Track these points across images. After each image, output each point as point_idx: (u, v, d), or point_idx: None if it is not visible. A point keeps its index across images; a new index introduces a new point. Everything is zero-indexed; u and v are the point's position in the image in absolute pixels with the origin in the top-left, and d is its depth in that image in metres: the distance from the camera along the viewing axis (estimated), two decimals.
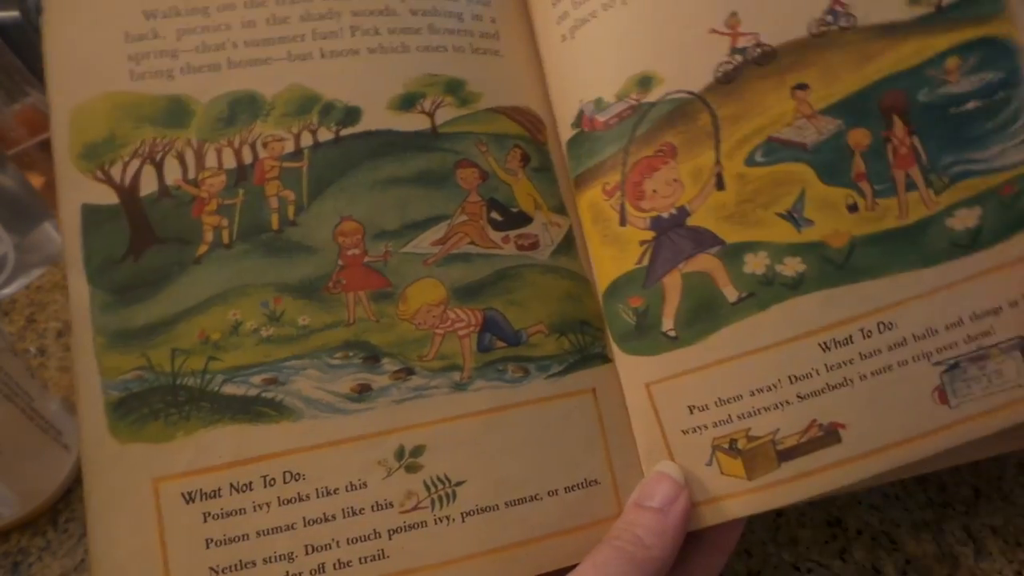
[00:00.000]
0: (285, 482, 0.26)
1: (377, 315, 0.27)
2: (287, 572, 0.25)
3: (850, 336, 0.27)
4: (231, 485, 0.25)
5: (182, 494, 0.25)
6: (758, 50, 0.29)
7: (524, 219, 0.30)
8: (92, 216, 0.27)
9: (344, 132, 0.28)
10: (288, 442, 0.26)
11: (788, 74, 0.29)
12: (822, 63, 0.29)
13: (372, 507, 0.26)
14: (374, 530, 0.26)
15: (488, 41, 0.31)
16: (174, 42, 0.28)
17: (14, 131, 0.47)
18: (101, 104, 0.27)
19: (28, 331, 0.45)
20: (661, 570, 0.26)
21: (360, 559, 0.26)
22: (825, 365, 0.27)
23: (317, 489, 0.26)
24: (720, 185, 0.29)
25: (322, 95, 0.28)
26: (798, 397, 0.27)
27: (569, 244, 0.30)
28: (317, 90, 0.28)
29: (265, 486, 0.26)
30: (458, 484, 0.27)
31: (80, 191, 0.27)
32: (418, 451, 0.27)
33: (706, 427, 0.28)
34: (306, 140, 0.28)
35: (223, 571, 0.25)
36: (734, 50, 0.29)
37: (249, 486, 0.25)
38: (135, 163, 0.27)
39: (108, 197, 0.27)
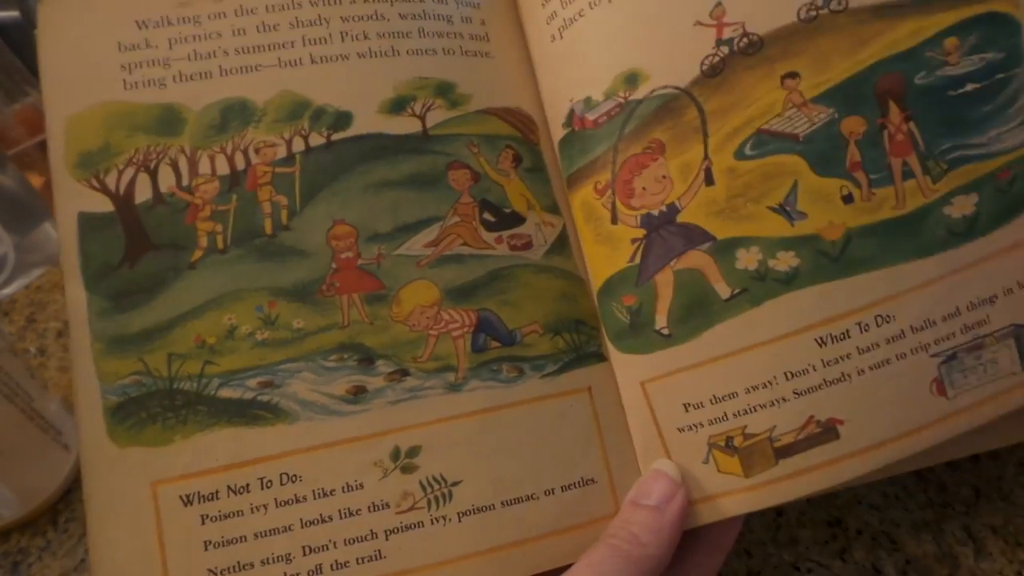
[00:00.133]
0: (282, 484, 0.26)
1: (371, 317, 0.28)
2: (285, 573, 0.25)
3: (847, 331, 0.27)
4: (228, 487, 0.26)
5: (180, 497, 0.25)
6: (744, 40, 0.28)
7: (517, 219, 0.30)
8: (88, 224, 0.27)
9: (335, 136, 0.29)
10: (284, 444, 0.26)
11: (777, 63, 0.28)
12: (813, 49, 0.28)
13: (369, 508, 0.26)
14: (371, 531, 0.26)
15: (478, 43, 0.31)
16: (166, 51, 0.28)
17: (14, 131, 0.47)
18: (95, 113, 0.28)
19: (28, 331, 0.45)
20: (657, 568, 0.26)
21: (357, 560, 0.26)
22: (822, 361, 0.27)
23: (314, 491, 0.26)
24: (709, 180, 0.28)
25: (313, 100, 0.29)
26: (795, 394, 0.27)
27: (563, 244, 0.30)
28: (308, 95, 0.29)
29: (262, 488, 0.26)
30: (454, 484, 0.27)
31: (76, 199, 0.27)
32: (414, 452, 0.27)
33: (702, 425, 0.28)
34: (298, 145, 0.28)
35: (221, 573, 0.25)
36: (720, 41, 0.28)
37: (246, 488, 0.26)
38: (129, 171, 0.27)
39: (103, 205, 0.27)
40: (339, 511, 0.26)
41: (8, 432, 0.35)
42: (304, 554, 0.26)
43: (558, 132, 0.31)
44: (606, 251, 0.30)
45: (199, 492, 0.25)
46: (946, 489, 0.36)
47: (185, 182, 0.28)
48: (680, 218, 0.28)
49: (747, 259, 0.28)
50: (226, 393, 0.26)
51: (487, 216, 0.29)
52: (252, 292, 0.27)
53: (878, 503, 0.36)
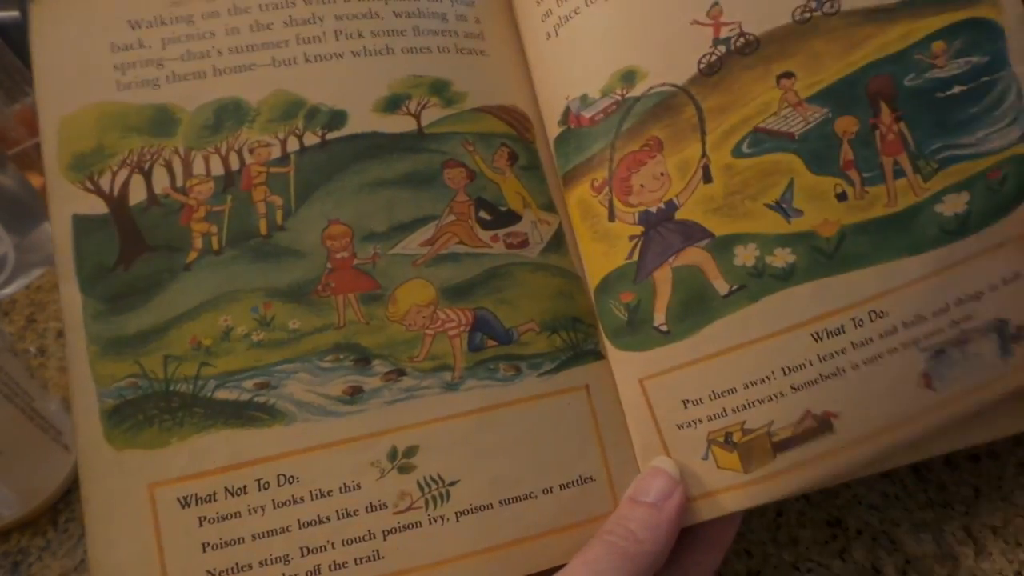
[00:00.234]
0: (279, 485, 0.26)
1: (367, 317, 0.28)
2: (283, 574, 0.25)
3: (842, 326, 0.27)
4: (226, 489, 0.26)
5: (178, 499, 0.25)
6: (741, 39, 0.28)
7: (513, 218, 0.30)
8: (83, 226, 0.27)
9: (330, 136, 0.29)
10: (281, 445, 0.26)
11: (773, 63, 0.28)
12: (807, 50, 0.28)
13: (366, 508, 0.26)
14: (369, 531, 0.26)
15: (473, 41, 0.31)
16: (159, 51, 0.28)
17: (14, 131, 0.47)
18: (88, 114, 0.28)
19: (28, 331, 0.45)
20: (654, 564, 0.26)
21: (355, 560, 0.26)
22: (818, 355, 0.27)
23: (311, 491, 0.26)
24: (707, 178, 0.28)
25: (307, 99, 0.29)
26: (792, 388, 0.27)
27: (559, 241, 0.30)
28: (302, 95, 0.29)
29: (259, 489, 0.26)
30: (452, 484, 0.27)
31: (70, 202, 0.27)
32: (411, 452, 0.27)
33: (701, 421, 0.28)
34: (292, 145, 0.28)
35: (220, 574, 0.25)
36: (717, 41, 0.29)
37: (244, 490, 0.26)
38: (123, 172, 0.27)
39: (98, 207, 0.27)
40: (337, 512, 0.26)
41: (8, 432, 0.35)
42: (302, 555, 0.26)
43: (554, 130, 0.31)
44: (603, 248, 0.30)
45: (196, 494, 0.25)
46: (946, 489, 0.36)
47: (179, 183, 0.28)
48: (678, 215, 0.29)
49: (745, 256, 0.28)
50: (222, 395, 0.26)
51: (483, 214, 0.29)
52: (247, 293, 0.27)
53: (878, 503, 0.36)
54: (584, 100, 0.30)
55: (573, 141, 0.30)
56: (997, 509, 0.35)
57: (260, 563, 0.25)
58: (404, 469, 0.27)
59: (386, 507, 0.26)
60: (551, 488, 0.27)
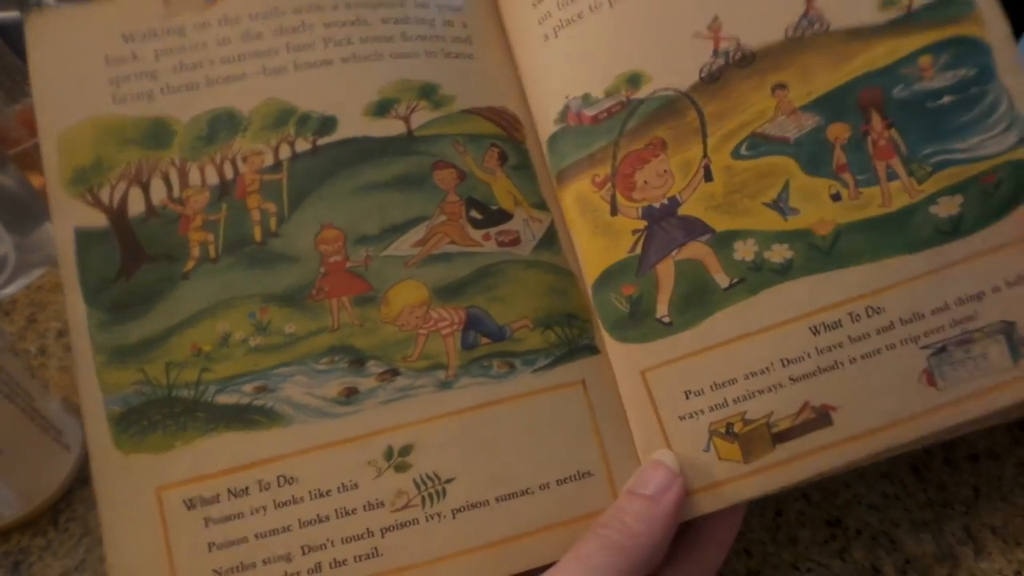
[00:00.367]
0: (279, 486, 0.27)
1: (360, 319, 0.28)
2: (285, 572, 0.26)
3: (839, 320, 0.28)
4: (228, 491, 0.26)
5: (183, 501, 0.26)
6: (739, 52, 0.30)
7: (504, 216, 0.30)
8: (85, 239, 0.28)
9: (321, 142, 0.29)
10: (280, 447, 0.27)
11: (768, 74, 0.30)
12: (799, 63, 0.30)
13: (364, 507, 0.27)
14: (367, 529, 0.27)
15: (460, 45, 0.31)
16: (153, 63, 0.29)
17: (14, 131, 0.46)
18: (86, 129, 0.28)
19: (28, 331, 0.45)
20: (650, 558, 0.26)
21: (355, 558, 0.26)
22: (816, 348, 0.28)
23: (310, 491, 0.27)
24: (708, 177, 0.30)
25: (298, 107, 0.29)
26: (790, 380, 0.28)
27: (551, 239, 0.30)
28: (293, 102, 0.29)
29: (260, 490, 0.27)
30: (448, 481, 0.27)
31: (72, 216, 0.28)
32: (406, 450, 0.27)
33: (702, 412, 0.29)
34: (284, 152, 0.29)
35: (225, 573, 0.26)
36: (716, 52, 0.30)
37: (246, 491, 0.26)
38: (122, 185, 0.28)
39: (98, 220, 0.28)
40: (335, 511, 0.27)
41: (8, 432, 0.35)
42: (303, 553, 0.26)
43: (549, 128, 0.31)
44: (604, 242, 0.30)
45: (201, 496, 0.26)
46: (946, 489, 0.36)
47: (176, 194, 0.28)
48: (680, 211, 0.30)
49: (744, 251, 0.29)
50: (223, 399, 0.27)
51: (474, 214, 0.30)
52: (244, 299, 0.28)
53: (878, 503, 0.36)
54: (587, 99, 0.31)
55: (572, 138, 0.31)
56: (997, 509, 0.35)
57: (263, 562, 0.26)
58: (400, 468, 0.27)
59: (383, 505, 0.27)
60: (548, 484, 0.28)
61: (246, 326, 0.27)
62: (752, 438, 0.28)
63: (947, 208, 0.29)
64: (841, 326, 0.28)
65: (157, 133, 0.28)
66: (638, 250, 0.30)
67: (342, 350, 0.28)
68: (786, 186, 0.29)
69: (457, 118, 0.30)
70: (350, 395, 0.27)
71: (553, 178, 0.31)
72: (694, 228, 0.29)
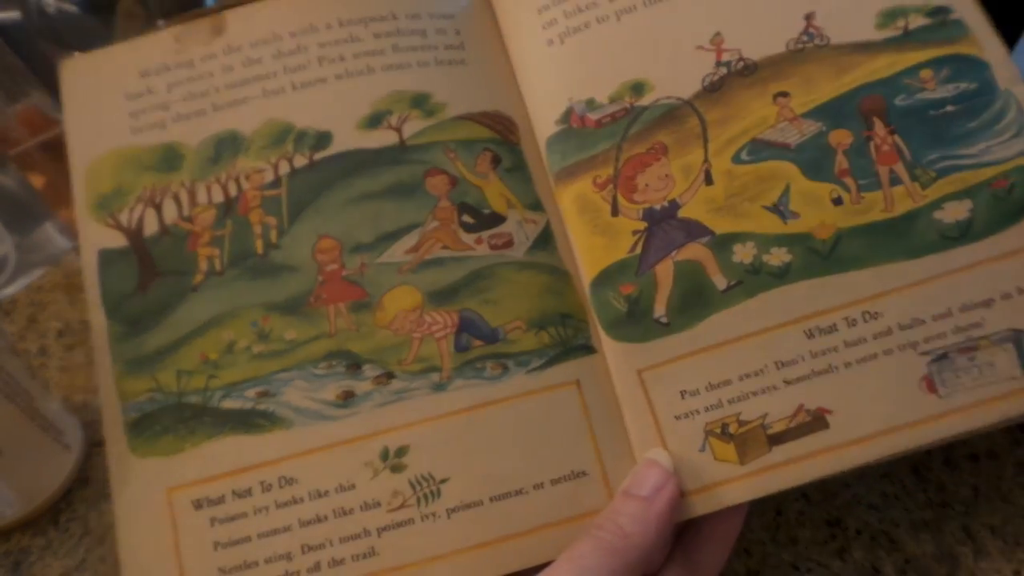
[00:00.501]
0: (280, 487, 0.28)
1: (357, 325, 0.29)
2: (286, 571, 0.27)
3: (834, 324, 0.28)
4: (233, 491, 0.28)
5: (192, 501, 0.28)
6: (740, 63, 0.31)
7: (496, 219, 0.30)
8: (107, 259, 0.30)
9: (318, 156, 0.30)
10: (281, 449, 0.28)
11: (769, 83, 0.30)
12: (801, 73, 0.30)
13: (361, 507, 0.27)
14: (364, 529, 0.27)
15: (452, 52, 0.32)
16: (165, 95, 0.31)
17: (14, 131, 0.47)
18: (109, 160, 0.31)
19: (29, 331, 0.45)
20: (644, 558, 0.25)
21: (352, 557, 0.27)
22: (810, 352, 0.28)
23: (309, 492, 0.28)
24: (709, 180, 0.30)
25: (295, 124, 0.31)
26: (784, 382, 0.28)
27: (546, 239, 0.30)
28: (290, 120, 0.31)
29: (263, 491, 0.28)
30: (442, 482, 0.28)
31: (96, 238, 0.30)
32: (402, 451, 0.28)
33: (698, 412, 0.28)
34: (283, 168, 0.30)
35: (230, 571, 0.27)
36: (719, 63, 0.31)
37: (249, 492, 0.28)
38: (139, 208, 0.30)
39: (118, 240, 0.30)
40: (333, 511, 0.27)
41: (9, 432, 0.35)
42: (303, 552, 0.27)
43: (549, 128, 0.32)
44: (604, 242, 0.30)
45: (208, 496, 0.28)
46: (945, 489, 0.35)
47: (185, 213, 0.30)
48: (681, 213, 0.30)
49: (743, 253, 0.29)
50: (228, 404, 0.28)
51: (466, 218, 0.30)
52: (247, 309, 0.29)
53: (877, 503, 0.35)
54: (591, 103, 0.31)
55: (574, 140, 0.31)
56: (996, 509, 0.34)
57: (265, 560, 0.27)
58: (396, 468, 0.28)
59: (380, 505, 0.27)
60: (542, 484, 0.28)
61: (249, 334, 0.29)
62: (748, 439, 0.28)
63: (954, 213, 0.28)
64: (836, 330, 0.28)
65: (169, 158, 0.31)
66: (638, 250, 0.30)
67: (339, 355, 0.29)
68: (787, 190, 0.29)
69: (449, 125, 0.31)
70: (347, 398, 0.28)
71: (551, 177, 0.31)
72: (694, 230, 0.30)
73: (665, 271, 0.29)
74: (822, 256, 0.28)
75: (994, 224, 0.28)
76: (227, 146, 0.30)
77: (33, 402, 0.36)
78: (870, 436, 0.27)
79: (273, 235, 0.30)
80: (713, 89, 0.31)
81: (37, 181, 0.49)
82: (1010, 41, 0.31)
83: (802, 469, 0.27)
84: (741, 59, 0.31)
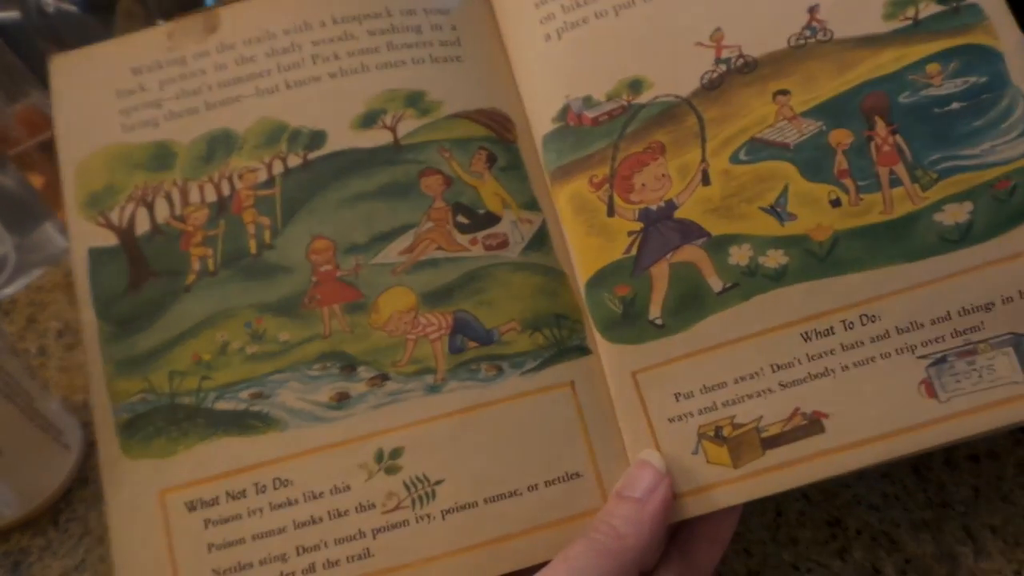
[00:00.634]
0: (275, 488, 0.28)
1: (351, 326, 0.29)
2: (281, 572, 0.27)
3: (831, 327, 0.28)
4: (227, 493, 0.28)
5: (185, 503, 0.28)
6: (740, 60, 0.30)
7: (491, 219, 0.30)
8: (97, 258, 0.30)
9: (312, 156, 0.30)
10: (276, 451, 0.28)
11: (769, 81, 0.30)
12: (802, 71, 0.30)
13: (356, 508, 0.27)
14: (359, 530, 0.27)
15: (448, 48, 0.32)
16: (157, 92, 0.31)
17: (14, 131, 0.47)
18: (100, 157, 0.30)
19: (28, 331, 0.45)
20: (638, 559, 0.26)
21: (347, 558, 0.27)
22: (806, 355, 0.28)
23: (304, 494, 0.27)
24: (706, 180, 0.30)
25: (289, 123, 0.30)
26: (780, 385, 0.28)
27: (542, 239, 0.30)
28: (284, 119, 0.30)
29: (257, 493, 0.28)
30: (437, 483, 0.28)
31: (87, 237, 0.30)
32: (396, 453, 0.28)
33: (692, 415, 0.28)
34: (277, 168, 0.30)
35: (224, 573, 0.27)
36: (718, 60, 0.30)
37: (243, 493, 0.28)
38: (130, 207, 0.30)
39: (109, 239, 0.30)
40: (328, 512, 0.27)
41: (8, 432, 0.35)
42: (298, 554, 0.27)
43: (545, 126, 0.32)
44: (599, 242, 0.30)
45: (201, 498, 0.28)
46: (946, 489, 0.35)
47: (178, 212, 0.30)
48: (677, 214, 0.30)
49: (739, 255, 0.29)
50: (221, 405, 0.28)
51: (461, 219, 0.30)
52: (241, 310, 0.29)
53: (878, 503, 0.35)
54: (588, 101, 0.31)
55: (571, 138, 0.31)
56: (996, 509, 0.34)
57: (260, 562, 0.27)
58: (391, 470, 0.28)
59: (374, 507, 0.27)
60: (536, 485, 0.28)
61: (243, 335, 0.29)
62: (741, 442, 0.28)
63: (954, 215, 0.28)
64: (833, 333, 0.28)
65: (161, 156, 0.30)
66: (633, 251, 0.30)
67: (334, 356, 0.29)
68: (784, 191, 0.29)
69: (444, 124, 0.31)
70: (342, 400, 0.28)
71: (547, 175, 0.31)
72: (690, 231, 0.29)
73: (660, 273, 0.29)
74: (819, 258, 0.28)
75: (995, 227, 0.28)
76: (220, 145, 0.30)
77: (33, 402, 0.36)
78: (866, 440, 0.27)
79: (267, 235, 0.30)
80: (712, 87, 0.30)
81: (37, 181, 0.49)
82: None
83: (796, 473, 0.27)
84: (741, 56, 0.30)
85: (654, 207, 0.30)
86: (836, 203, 0.29)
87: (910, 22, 0.29)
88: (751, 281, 0.29)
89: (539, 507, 0.27)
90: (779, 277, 0.28)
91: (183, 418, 0.28)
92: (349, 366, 0.28)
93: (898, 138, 0.29)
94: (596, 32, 0.31)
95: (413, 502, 0.27)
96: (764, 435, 0.28)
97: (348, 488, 0.28)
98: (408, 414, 0.28)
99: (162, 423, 0.28)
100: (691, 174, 0.30)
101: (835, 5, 0.30)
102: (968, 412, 0.27)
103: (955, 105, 0.29)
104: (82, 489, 0.38)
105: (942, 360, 0.27)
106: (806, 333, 0.28)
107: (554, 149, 0.31)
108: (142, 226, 0.30)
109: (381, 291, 0.29)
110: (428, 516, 0.27)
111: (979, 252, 0.28)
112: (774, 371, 0.28)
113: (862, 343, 0.28)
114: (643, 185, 0.30)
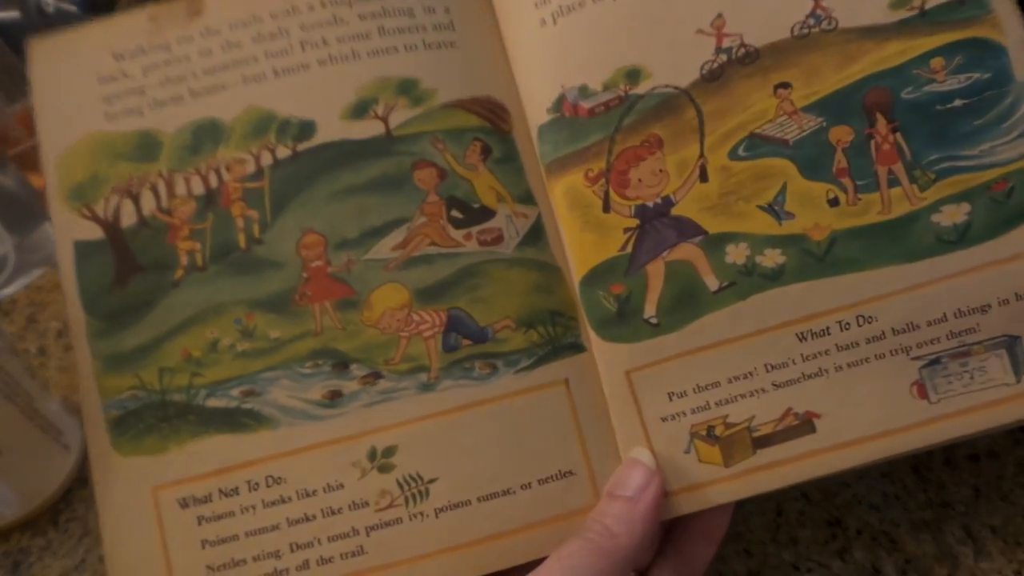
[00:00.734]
0: (268, 486, 0.28)
1: (343, 323, 0.28)
2: (275, 568, 0.27)
3: (827, 328, 0.28)
4: (219, 490, 0.28)
5: (177, 500, 0.28)
6: (742, 50, 0.30)
7: (486, 214, 0.30)
8: (82, 251, 0.29)
9: (301, 147, 0.29)
10: (268, 449, 0.28)
11: (771, 73, 0.29)
12: (805, 63, 0.29)
13: (349, 506, 0.27)
14: (352, 528, 0.27)
15: (442, 33, 0.31)
16: (141, 79, 0.30)
17: (14, 131, 0.46)
18: (82, 147, 0.29)
19: (28, 331, 0.45)
20: (631, 557, 0.26)
21: (341, 555, 0.27)
22: (801, 355, 0.28)
23: (297, 491, 0.27)
24: (704, 177, 0.29)
25: (277, 113, 0.29)
26: (773, 385, 0.28)
27: (537, 234, 0.30)
28: (272, 109, 0.29)
29: (250, 490, 0.28)
30: (430, 482, 0.28)
31: (71, 229, 0.29)
32: (390, 452, 0.28)
33: (684, 414, 0.28)
34: (266, 159, 0.29)
35: (218, 569, 0.27)
36: (719, 50, 0.30)
37: (236, 491, 0.28)
38: (115, 198, 0.29)
39: (94, 232, 0.29)
40: (322, 510, 0.27)
41: (8, 432, 0.35)
42: (292, 551, 0.27)
43: (541, 116, 0.31)
44: (595, 239, 0.30)
45: (194, 495, 0.28)
46: (946, 489, 0.35)
47: (164, 204, 0.29)
48: (674, 211, 0.29)
49: (736, 254, 0.29)
50: (213, 403, 0.28)
51: (455, 213, 0.29)
52: (231, 306, 0.28)
53: (878, 503, 0.35)
54: (584, 91, 0.30)
55: (566, 129, 0.30)
56: (997, 509, 0.34)
57: (254, 559, 0.27)
58: (384, 469, 0.28)
59: (368, 505, 0.27)
60: (530, 483, 0.28)
61: (233, 332, 0.28)
62: (733, 442, 0.28)
63: (952, 216, 0.28)
64: (829, 333, 0.28)
65: (146, 146, 0.29)
66: (629, 249, 0.29)
67: (325, 353, 0.28)
68: (783, 189, 0.29)
69: (438, 114, 0.30)
70: (334, 398, 0.28)
71: (543, 168, 0.30)
72: (686, 229, 0.29)
73: (656, 271, 0.29)
74: (817, 258, 0.28)
75: (992, 228, 0.28)
76: (207, 135, 0.29)
77: (33, 402, 0.36)
78: (856, 441, 0.27)
79: (256, 229, 0.29)
80: (712, 78, 0.29)
81: (37, 181, 0.48)
82: None
83: (786, 472, 0.27)
84: (743, 45, 0.29)
85: (650, 204, 0.29)
86: (834, 202, 0.28)
87: (916, 12, 0.29)
88: (748, 280, 0.28)
89: (532, 505, 0.28)
90: (776, 277, 0.28)
91: (174, 415, 0.28)
92: (341, 364, 0.28)
93: (898, 136, 0.28)
94: (593, 17, 0.30)
95: (406, 500, 0.27)
96: (755, 435, 0.28)
97: (341, 486, 0.28)
98: (401, 413, 0.28)
99: (153, 420, 0.28)
100: (689, 170, 0.29)
101: None
102: (958, 413, 0.27)
103: (957, 102, 0.28)
104: (82, 489, 0.38)
105: (936, 361, 0.27)
106: (802, 333, 0.28)
107: (550, 141, 0.30)
108: (128, 219, 0.29)
109: (373, 287, 0.29)
110: (421, 514, 0.27)
111: (976, 254, 0.27)
112: (768, 371, 0.28)
113: (857, 344, 0.27)
114: (639, 180, 0.29)
